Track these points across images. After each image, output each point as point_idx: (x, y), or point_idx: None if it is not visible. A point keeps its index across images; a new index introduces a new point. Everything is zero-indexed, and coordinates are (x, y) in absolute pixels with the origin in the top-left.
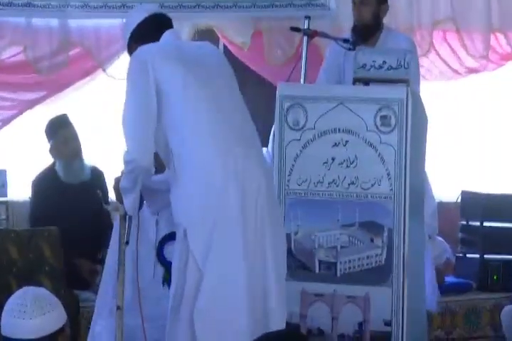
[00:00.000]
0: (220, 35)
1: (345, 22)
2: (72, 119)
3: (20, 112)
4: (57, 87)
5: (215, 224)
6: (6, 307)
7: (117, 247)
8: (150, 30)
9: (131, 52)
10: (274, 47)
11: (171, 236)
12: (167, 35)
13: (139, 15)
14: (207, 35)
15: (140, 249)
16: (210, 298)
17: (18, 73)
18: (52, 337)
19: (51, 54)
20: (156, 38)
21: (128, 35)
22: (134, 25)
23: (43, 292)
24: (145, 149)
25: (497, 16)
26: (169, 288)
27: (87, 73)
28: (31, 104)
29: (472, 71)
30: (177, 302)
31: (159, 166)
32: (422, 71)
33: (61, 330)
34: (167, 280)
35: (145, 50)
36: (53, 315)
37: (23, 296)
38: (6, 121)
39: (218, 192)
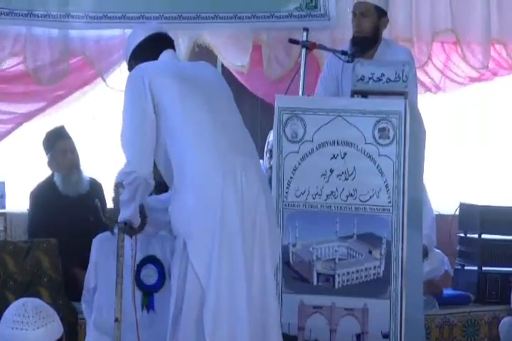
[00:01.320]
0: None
1: (344, 33)
2: (69, 131)
3: (18, 126)
4: (56, 97)
5: (214, 235)
6: (4, 318)
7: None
8: (149, 49)
9: (131, 69)
10: (273, 60)
11: (148, 260)
12: (165, 54)
13: (140, 33)
14: (206, 50)
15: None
16: (215, 312)
17: (19, 80)
18: None
19: (51, 63)
20: (154, 57)
21: (129, 53)
22: (135, 44)
23: (41, 303)
24: (144, 160)
25: (497, 27)
26: (148, 313)
27: (87, 83)
28: (30, 116)
29: (471, 82)
30: (177, 311)
31: (157, 190)
32: (420, 82)
33: None
34: (146, 304)
35: (142, 67)
36: (53, 326)
37: (23, 307)
38: (4, 135)
39: (218, 204)
